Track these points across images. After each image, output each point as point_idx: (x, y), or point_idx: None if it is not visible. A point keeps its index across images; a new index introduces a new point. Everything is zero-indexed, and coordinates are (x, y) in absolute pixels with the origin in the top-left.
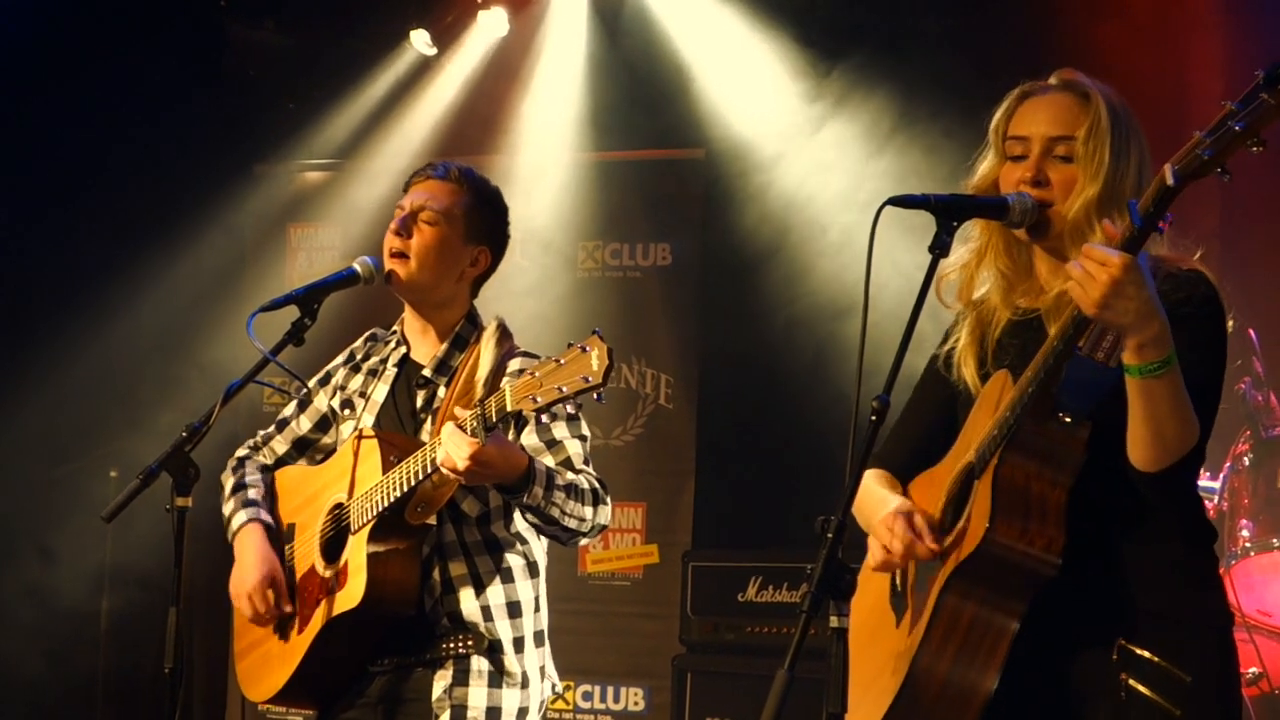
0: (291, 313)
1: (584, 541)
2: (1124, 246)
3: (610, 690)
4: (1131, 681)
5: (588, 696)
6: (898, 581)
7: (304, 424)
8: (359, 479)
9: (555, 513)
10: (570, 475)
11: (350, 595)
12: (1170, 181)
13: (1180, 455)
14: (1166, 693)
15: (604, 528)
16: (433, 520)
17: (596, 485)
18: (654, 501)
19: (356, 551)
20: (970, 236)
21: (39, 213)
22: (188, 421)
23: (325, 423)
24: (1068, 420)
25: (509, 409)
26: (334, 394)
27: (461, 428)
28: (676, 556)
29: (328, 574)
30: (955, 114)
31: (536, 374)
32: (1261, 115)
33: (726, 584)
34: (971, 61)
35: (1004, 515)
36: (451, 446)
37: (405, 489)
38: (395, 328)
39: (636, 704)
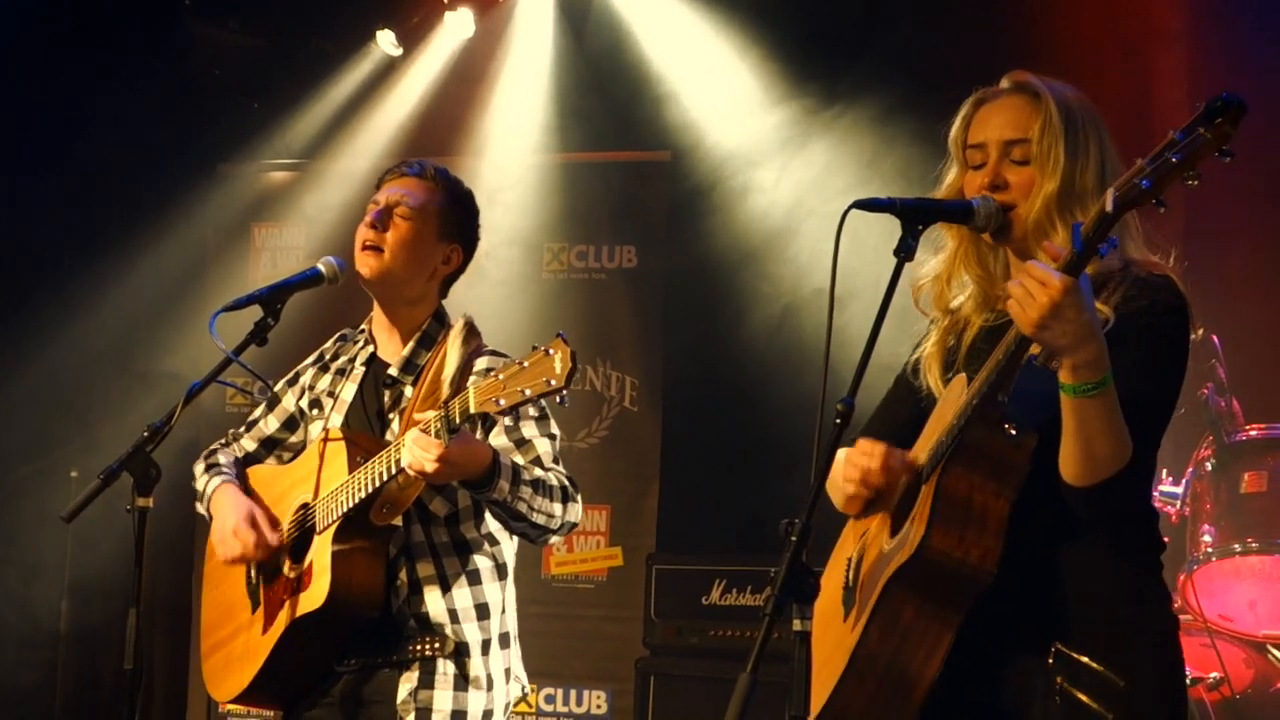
0: (254, 313)
1: (554, 539)
2: (1065, 268)
3: (573, 693)
4: (1065, 684)
5: (550, 699)
6: (849, 577)
7: (272, 423)
8: (325, 479)
9: (523, 508)
10: (538, 471)
11: (314, 596)
12: (1109, 209)
13: (1109, 474)
14: (1100, 697)
15: (574, 525)
16: (398, 521)
17: (566, 482)
18: (618, 504)
19: (321, 552)
20: (942, 245)
21: None
22: (149, 421)
23: (293, 422)
24: (1014, 432)
25: (472, 411)
26: (302, 394)
27: (426, 430)
28: (640, 559)
29: (292, 574)
30: (913, 125)
31: (500, 376)
32: (1198, 150)
33: (690, 587)
34: (944, 69)
35: (942, 524)
36: (417, 449)
37: (370, 490)
38: (363, 326)
39: (599, 707)
